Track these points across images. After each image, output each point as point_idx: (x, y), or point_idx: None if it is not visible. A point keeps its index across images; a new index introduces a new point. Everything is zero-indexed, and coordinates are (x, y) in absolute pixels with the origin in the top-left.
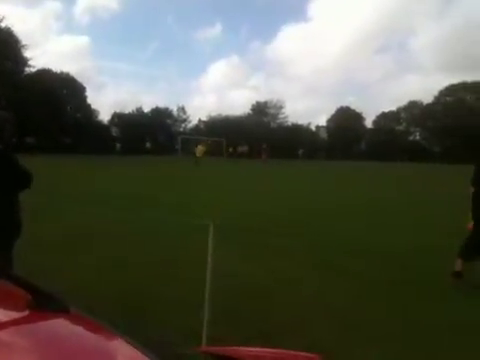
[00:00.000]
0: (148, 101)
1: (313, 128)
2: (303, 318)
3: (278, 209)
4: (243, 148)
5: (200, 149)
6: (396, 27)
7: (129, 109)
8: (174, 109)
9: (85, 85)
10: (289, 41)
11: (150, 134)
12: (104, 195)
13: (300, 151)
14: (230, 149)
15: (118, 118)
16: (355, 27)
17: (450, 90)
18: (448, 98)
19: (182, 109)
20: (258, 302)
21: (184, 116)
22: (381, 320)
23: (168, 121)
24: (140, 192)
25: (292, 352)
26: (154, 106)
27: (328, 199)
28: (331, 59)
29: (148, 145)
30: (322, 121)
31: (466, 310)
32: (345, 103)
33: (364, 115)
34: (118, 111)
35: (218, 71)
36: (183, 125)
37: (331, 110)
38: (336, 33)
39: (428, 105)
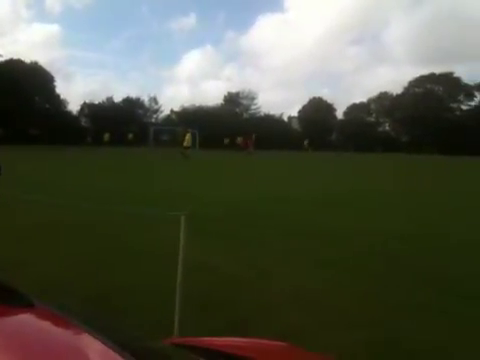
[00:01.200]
0: (120, 91)
1: (285, 119)
2: (275, 305)
3: (255, 198)
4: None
5: (188, 138)
6: (370, 19)
7: (100, 99)
8: (146, 99)
9: (54, 74)
10: (265, 32)
11: (121, 124)
12: (74, 186)
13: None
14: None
15: (88, 108)
16: (330, 19)
17: (419, 81)
18: (417, 89)
19: (154, 99)
20: (230, 292)
21: (156, 106)
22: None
23: (140, 111)
24: (111, 184)
25: (265, 341)
26: (125, 96)
27: (306, 188)
28: (306, 50)
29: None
30: (295, 112)
31: None
32: (318, 94)
33: (336, 106)
34: (88, 101)
35: (192, 61)
36: (155, 115)
37: (304, 101)
38: (311, 24)
39: (397, 96)
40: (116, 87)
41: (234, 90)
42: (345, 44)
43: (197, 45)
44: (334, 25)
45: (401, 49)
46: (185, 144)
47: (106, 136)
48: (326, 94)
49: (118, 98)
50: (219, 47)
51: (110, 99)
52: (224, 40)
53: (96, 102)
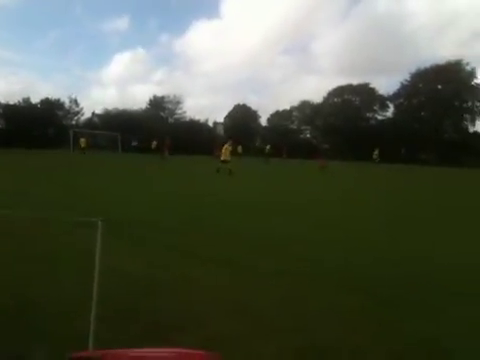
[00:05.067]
0: (42, 92)
1: (211, 124)
2: (196, 313)
3: (177, 205)
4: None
5: (225, 151)
6: (301, 31)
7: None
8: (67, 101)
9: None
10: (199, 37)
11: (39, 127)
12: None
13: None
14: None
15: (3, 109)
16: (263, 28)
17: (338, 91)
18: (336, 99)
19: (75, 101)
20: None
21: (77, 108)
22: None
23: (59, 113)
24: (25, 188)
25: (187, 350)
26: (44, 97)
27: (232, 194)
28: (237, 57)
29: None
30: (222, 118)
31: None
32: (247, 101)
33: (262, 113)
34: (3, 102)
35: (121, 64)
36: (75, 118)
37: (231, 108)
38: (245, 32)
39: (318, 105)
40: (39, 88)
41: (164, 94)
42: (275, 53)
43: (128, 48)
44: (266, 34)
45: (327, 60)
46: (223, 158)
47: None
48: (254, 101)
49: (39, 99)
50: (151, 50)
51: (27, 100)
52: (157, 44)
53: (11, 102)
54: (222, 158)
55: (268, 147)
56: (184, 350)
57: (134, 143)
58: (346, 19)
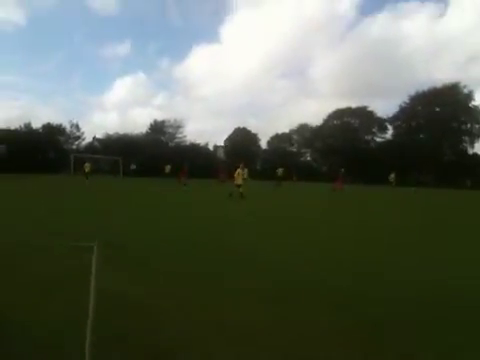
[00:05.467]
0: (43, 117)
1: (211, 147)
2: (193, 335)
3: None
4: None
5: (239, 174)
6: (299, 55)
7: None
8: (68, 126)
9: None
10: (198, 62)
11: (40, 152)
12: None
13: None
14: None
15: (2, 135)
16: (262, 53)
17: (337, 114)
18: (335, 121)
19: (76, 126)
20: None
21: (78, 133)
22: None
23: (61, 138)
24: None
25: None
26: (46, 122)
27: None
28: (237, 82)
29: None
30: (222, 141)
31: None
32: (246, 124)
33: (261, 136)
34: (5, 127)
35: (123, 88)
36: (76, 143)
37: (231, 131)
38: (244, 57)
39: (317, 127)
40: (40, 113)
41: (164, 118)
42: (274, 77)
43: (129, 73)
44: (265, 59)
45: (324, 84)
46: (236, 182)
47: None
48: (253, 124)
49: (41, 124)
50: (152, 75)
51: (28, 125)
52: (157, 68)
53: (12, 127)
54: (236, 182)
55: (280, 170)
56: None
57: (133, 167)
58: (343, 43)
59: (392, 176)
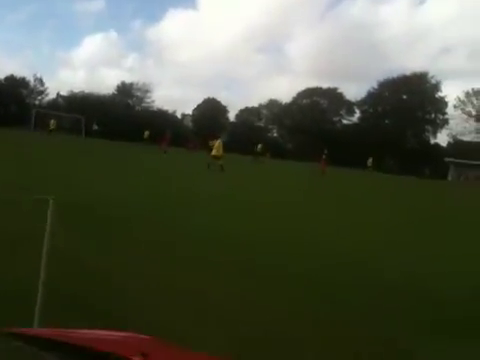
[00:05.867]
0: (8, 69)
1: (179, 116)
2: (144, 301)
3: (138, 195)
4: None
5: (218, 146)
6: (278, 31)
7: None
8: (32, 80)
9: None
10: (174, 27)
11: (1, 104)
12: None
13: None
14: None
15: None
16: (240, 24)
17: (307, 93)
18: (305, 100)
19: (40, 80)
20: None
21: (41, 88)
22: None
23: (23, 92)
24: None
25: (127, 333)
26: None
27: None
28: (211, 51)
29: None
30: (190, 110)
31: None
32: (217, 96)
33: (230, 109)
34: None
35: (93, 46)
36: (39, 98)
37: (201, 100)
38: (221, 27)
39: (286, 105)
40: (4, 64)
41: (133, 81)
42: (251, 51)
43: (101, 30)
44: (243, 31)
45: (299, 62)
46: (214, 153)
47: None
48: (224, 96)
49: (3, 75)
50: (124, 35)
51: None
52: (130, 29)
53: None
54: (213, 153)
55: (260, 146)
56: (127, 333)
57: (95, 128)
58: (322, 23)
59: (370, 161)
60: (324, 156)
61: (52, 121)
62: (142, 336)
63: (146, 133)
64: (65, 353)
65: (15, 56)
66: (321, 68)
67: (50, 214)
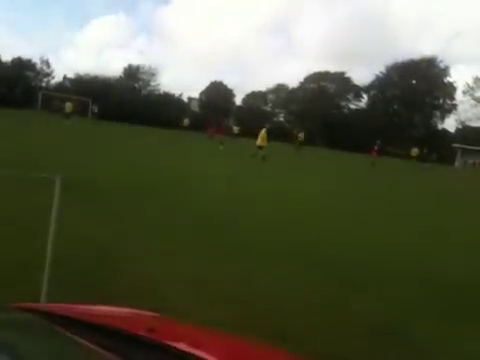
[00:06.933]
0: (16, 48)
1: (186, 99)
2: (151, 281)
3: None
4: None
5: (263, 136)
6: (285, 14)
7: None
8: (38, 62)
9: None
10: (184, 8)
11: (7, 86)
12: None
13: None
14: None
15: None
16: (251, 7)
17: (314, 77)
18: (312, 85)
19: (46, 62)
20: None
21: (48, 70)
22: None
23: (30, 74)
24: None
25: (134, 310)
26: (17, 55)
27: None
28: (221, 34)
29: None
30: (197, 94)
31: None
32: (225, 79)
33: (237, 92)
34: None
35: (101, 27)
36: (46, 80)
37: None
38: (231, 9)
39: (293, 90)
40: (12, 44)
41: (139, 64)
42: (258, 34)
43: (110, 11)
44: (253, 14)
45: (308, 46)
46: (259, 143)
47: None
48: (231, 80)
49: (11, 56)
50: (133, 17)
51: None
52: (140, 10)
53: None
54: (258, 143)
55: (301, 135)
56: (134, 310)
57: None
58: (330, 6)
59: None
60: (376, 147)
61: (68, 104)
62: (149, 312)
63: (185, 121)
64: (73, 327)
65: (21, 36)
66: (330, 52)
67: (57, 195)
